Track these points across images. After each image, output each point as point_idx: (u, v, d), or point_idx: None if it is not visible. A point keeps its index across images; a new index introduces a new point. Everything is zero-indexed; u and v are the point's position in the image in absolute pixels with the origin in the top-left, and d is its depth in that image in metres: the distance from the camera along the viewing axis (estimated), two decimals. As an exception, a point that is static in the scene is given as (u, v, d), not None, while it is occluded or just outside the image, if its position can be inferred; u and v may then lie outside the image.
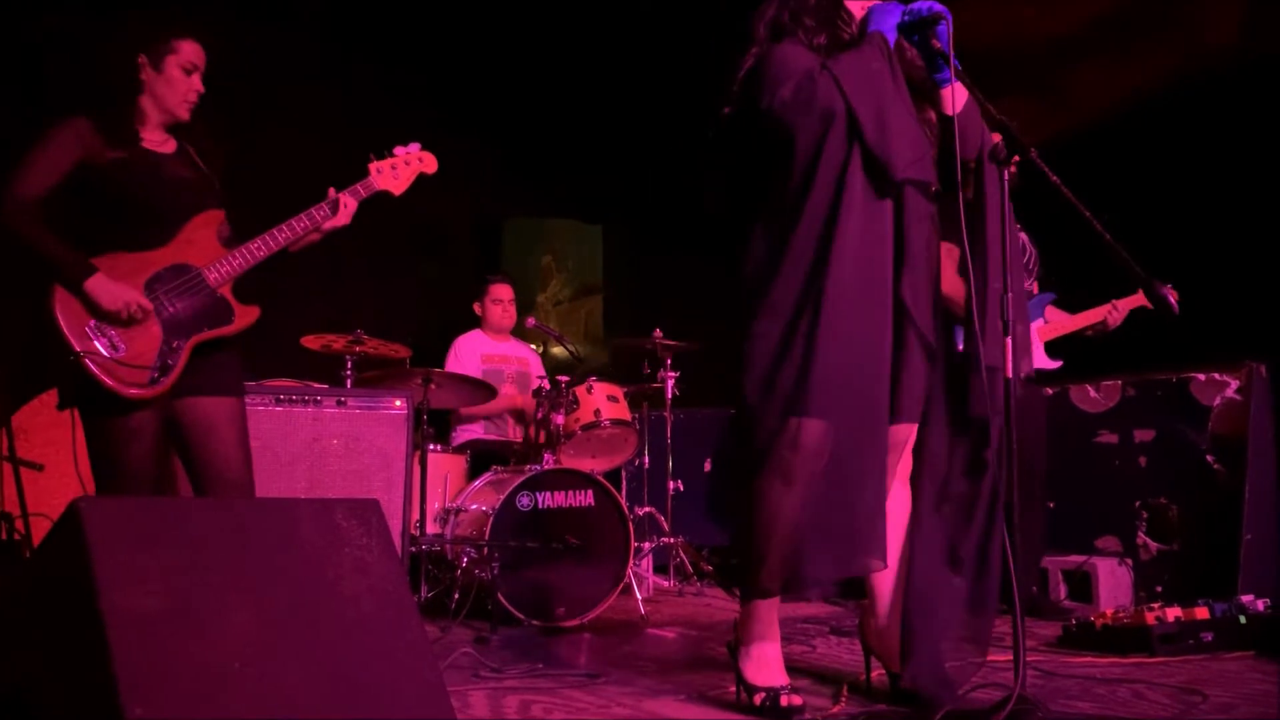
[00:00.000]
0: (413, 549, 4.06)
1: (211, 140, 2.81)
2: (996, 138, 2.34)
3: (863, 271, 2.36)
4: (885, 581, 2.57)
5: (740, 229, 2.54)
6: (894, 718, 2.43)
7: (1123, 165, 5.04)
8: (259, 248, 2.67)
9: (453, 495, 4.42)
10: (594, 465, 4.71)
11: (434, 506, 4.36)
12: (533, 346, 5.65)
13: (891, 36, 2.42)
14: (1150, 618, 3.11)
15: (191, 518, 1.77)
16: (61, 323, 2.45)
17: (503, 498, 3.92)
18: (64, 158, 2.56)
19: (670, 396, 5.08)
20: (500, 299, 5.33)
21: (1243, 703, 2.51)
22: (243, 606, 1.67)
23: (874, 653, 2.67)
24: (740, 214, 2.56)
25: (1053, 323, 4.08)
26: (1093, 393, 4.42)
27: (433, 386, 4.35)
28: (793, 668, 2.62)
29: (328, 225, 2.77)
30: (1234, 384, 4.01)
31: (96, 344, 2.47)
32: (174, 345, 2.56)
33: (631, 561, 4.12)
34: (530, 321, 5.34)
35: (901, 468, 2.58)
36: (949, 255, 2.61)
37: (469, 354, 5.20)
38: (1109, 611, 3.31)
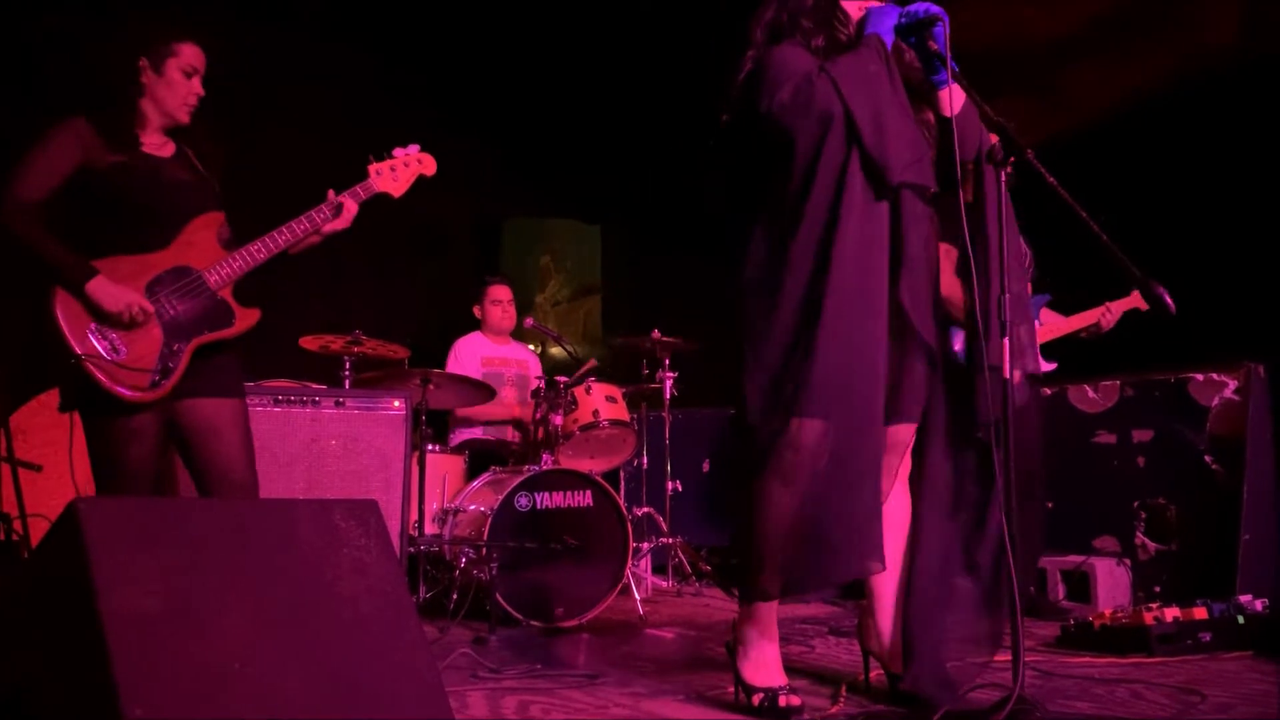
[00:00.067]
0: (411, 549, 4.06)
1: (211, 142, 2.81)
2: (994, 139, 2.34)
3: (861, 273, 2.36)
4: (884, 582, 2.57)
5: (739, 230, 2.54)
6: (892, 718, 2.43)
7: (1121, 165, 5.04)
8: (259, 250, 2.68)
9: (451, 496, 4.42)
10: (592, 466, 4.71)
11: (432, 507, 4.36)
12: (531, 347, 5.65)
13: (889, 38, 2.42)
14: (1149, 618, 3.12)
15: (190, 518, 1.77)
16: (63, 325, 2.45)
17: (501, 498, 3.93)
18: (64, 161, 2.56)
19: (669, 397, 5.08)
20: (499, 300, 5.33)
21: (1241, 703, 2.51)
22: (241, 607, 1.67)
23: (872, 653, 2.68)
24: (740, 215, 2.57)
25: (1047, 325, 4.09)
26: (1091, 393, 4.42)
27: (431, 387, 4.35)
28: (791, 668, 2.62)
29: (328, 228, 2.78)
30: (1232, 384, 4.01)
31: (98, 347, 2.47)
32: (175, 348, 2.56)
33: (630, 562, 4.12)
34: (529, 322, 5.34)
35: (901, 469, 2.59)
36: (946, 256, 2.61)
37: (469, 357, 5.20)
38: (1107, 612, 3.31)
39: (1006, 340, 2.24)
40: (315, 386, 4.08)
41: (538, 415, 4.49)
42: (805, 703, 2.45)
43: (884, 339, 2.38)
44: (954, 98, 2.42)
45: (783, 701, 2.40)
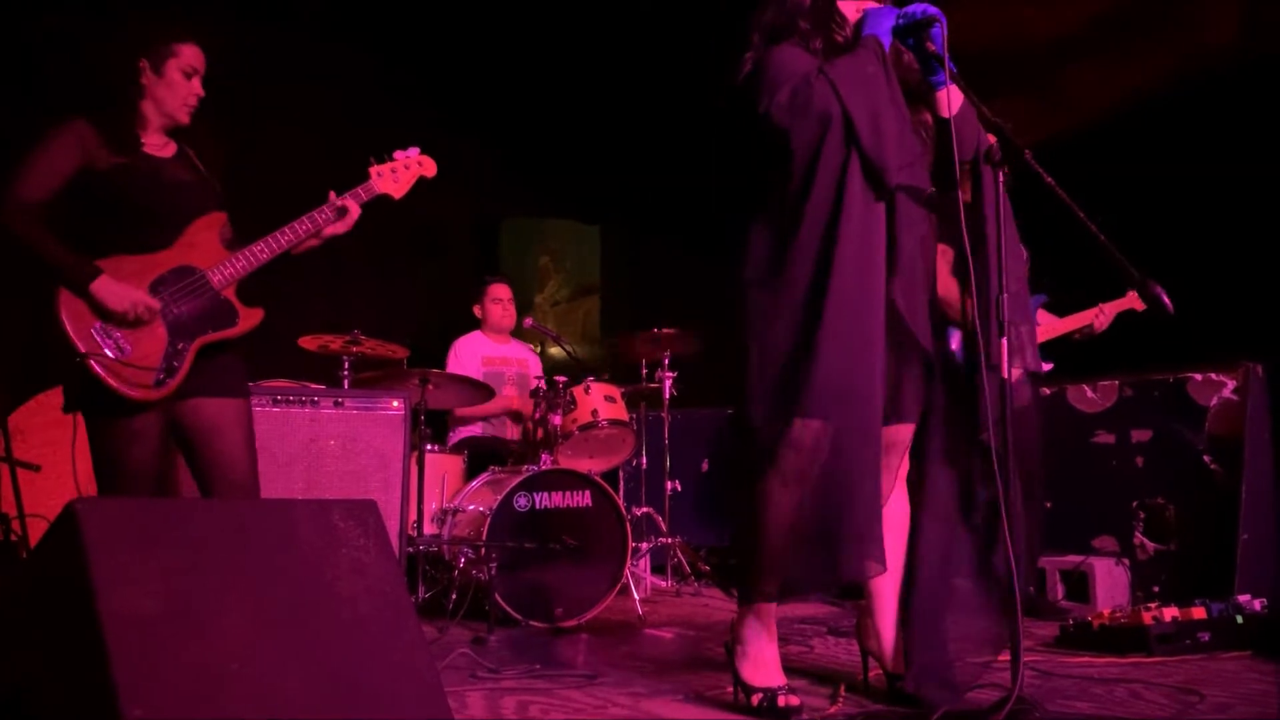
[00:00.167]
0: (410, 549, 4.06)
1: (211, 142, 2.81)
2: (991, 139, 2.34)
3: (861, 274, 2.37)
4: (883, 582, 2.57)
5: (739, 230, 2.55)
6: (891, 718, 2.43)
7: (1120, 165, 5.04)
8: (262, 250, 2.68)
9: (450, 496, 4.42)
10: (591, 466, 4.71)
11: (431, 507, 4.36)
12: (531, 347, 5.65)
13: (886, 40, 2.42)
14: (1147, 618, 3.12)
15: (188, 519, 1.77)
16: (67, 325, 2.45)
17: (500, 498, 3.93)
18: (65, 162, 2.56)
19: (668, 397, 5.08)
20: (500, 298, 5.33)
21: (1240, 702, 2.51)
22: (240, 607, 1.67)
23: (871, 653, 2.68)
24: (739, 215, 2.57)
25: (1043, 325, 4.10)
26: (1090, 393, 4.43)
27: (430, 387, 4.35)
28: (790, 668, 2.62)
29: (329, 231, 2.77)
30: (1231, 384, 4.01)
31: (102, 346, 2.47)
32: (179, 347, 2.56)
33: (629, 562, 4.12)
34: (528, 322, 5.34)
35: (900, 470, 2.59)
36: (943, 257, 2.61)
37: (469, 356, 5.20)
38: (1106, 611, 3.31)
39: (1005, 340, 2.24)
40: (314, 386, 4.09)
41: (537, 415, 4.49)
42: (804, 702, 2.45)
43: (883, 340, 2.39)
44: (952, 99, 2.42)
45: (781, 701, 2.40)
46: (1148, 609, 3.17)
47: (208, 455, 2.64)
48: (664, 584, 5.04)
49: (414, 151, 2.96)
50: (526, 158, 6.53)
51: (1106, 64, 5.48)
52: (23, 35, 4.73)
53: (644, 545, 4.88)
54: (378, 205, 2.87)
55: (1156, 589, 4.00)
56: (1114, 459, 4.31)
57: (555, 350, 5.96)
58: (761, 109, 2.41)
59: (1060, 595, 4.07)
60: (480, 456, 4.75)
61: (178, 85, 2.68)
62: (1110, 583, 4.03)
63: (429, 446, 4.42)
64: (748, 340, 2.46)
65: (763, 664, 2.48)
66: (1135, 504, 4.19)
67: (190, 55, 2.69)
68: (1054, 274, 4.11)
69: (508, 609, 3.79)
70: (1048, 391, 4.48)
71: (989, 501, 2.41)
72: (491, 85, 6.33)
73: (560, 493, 4.08)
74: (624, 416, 4.66)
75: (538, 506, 4.02)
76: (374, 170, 2.88)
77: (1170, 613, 3.15)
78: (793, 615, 3.94)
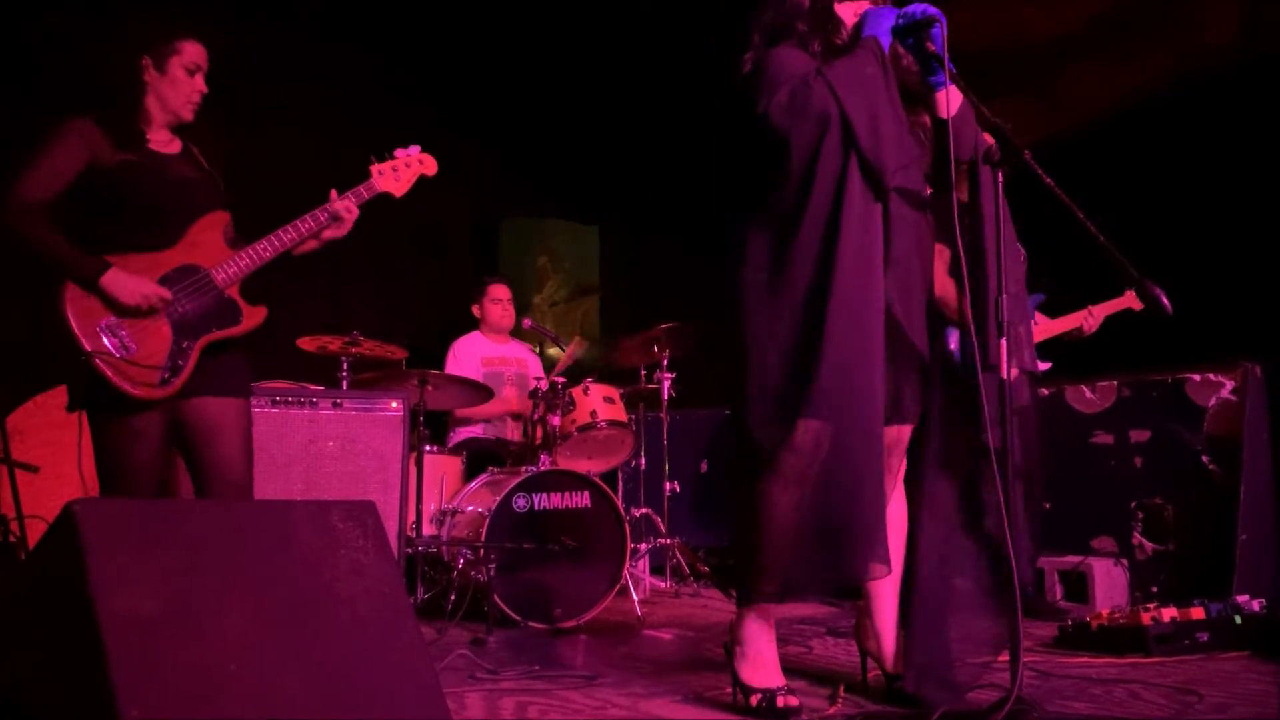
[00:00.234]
0: (409, 550, 4.06)
1: (215, 139, 2.81)
2: (990, 139, 2.34)
3: (862, 275, 2.37)
4: (882, 583, 2.57)
5: (737, 231, 2.55)
6: (890, 718, 2.43)
7: (1119, 165, 5.04)
8: (265, 248, 2.68)
9: (449, 497, 4.42)
10: (590, 466, 4.72)
11: (430, 508, 4.36)
12: (530, 347, 5.65)
13: (886, 40, 2.43)
14: (1146, 618, 3.12)
15: (187, 519, 1.77)
16: (72, 323, 2.45)
17: (499, 499, 3.93)
18: (71, 161, 2.55)
19: (666, 398, 5.08)
20: (499, 298, 5.33)
21: (1238, 703, 2.51)
22: (239, 608, 1.67)
23: (870, 654, 2.68)
24: (738, 216, 2.57)
25: (1038, 326, 4.11)
26: (1088, 393, 4.43)
27: (429, 388, 4.35)
28: (789, 669, 2.62)
29: (327, 235, 2.77)
30: (1229, 384, 4.01)
31: (107, 344, 2.47)
32: (184, 346, 2.56)
33: (628, 563, 4.12)
34: (526, 322, 5.34)
35: (898, 470, 2.59)
36: (941, 257, 2.61)
37: (469, 357, 5.20)
38: (1105, 612, 3.32)
39: (1004, 340, 2.24)
40: (313, 387, 4.08)
41: (536, 416, 4.49)
42: (803, 703, 2.45)
43: (883, 341, 2.38)
44: (951, 99, 2.42)
45: (780, 702, 2.40)
46: (1146, 609, 3.17)
47: (207, 455, 2.63)
48: (663, 585, 5.04)
49: (415, 150, 2.95)
50: (526, 158, 6.53)
51: (1106, 64, 5.49)
52: (23, 35, 4.72)
53: (643, 546, 4.89)
54: (377, 205, 2.87)
55: (1155, 589, 4.01)
56: (1112, 459, 4.31)
57: (554, 350, 5.96)
58: (760, 110, 2.41)
59: (1059, 595, 4.07)
60: (479, 457, 4.75)
61: (181, 82, 2.68)
62: (1109, 583, 4.03)
63: (428, 447, 4.42)
64: (746, 340, 2.46)
65: (762, 665, 2.48)
66: (1134, 504, 4.19)
67: (193, 52, 2.69)
68: (1052, 274, 4.11)
69: (506, 610, 3.79)
70: (1046, 392, 4.48)
71: (988, 501, 2.41)
72: (491, 85, 6.33)
73: (559, 494, 4.08)
74: (623, 417, 4.66)
75: (536, 507, 4.02)
76: (375, 168, 2.88)
77: (1169, 613, 3.15)
78: (792, 616, 3.94)
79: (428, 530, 4.28)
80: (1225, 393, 4.02)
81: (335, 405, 3.96)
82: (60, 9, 4.73)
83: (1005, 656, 2.20)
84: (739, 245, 2.52)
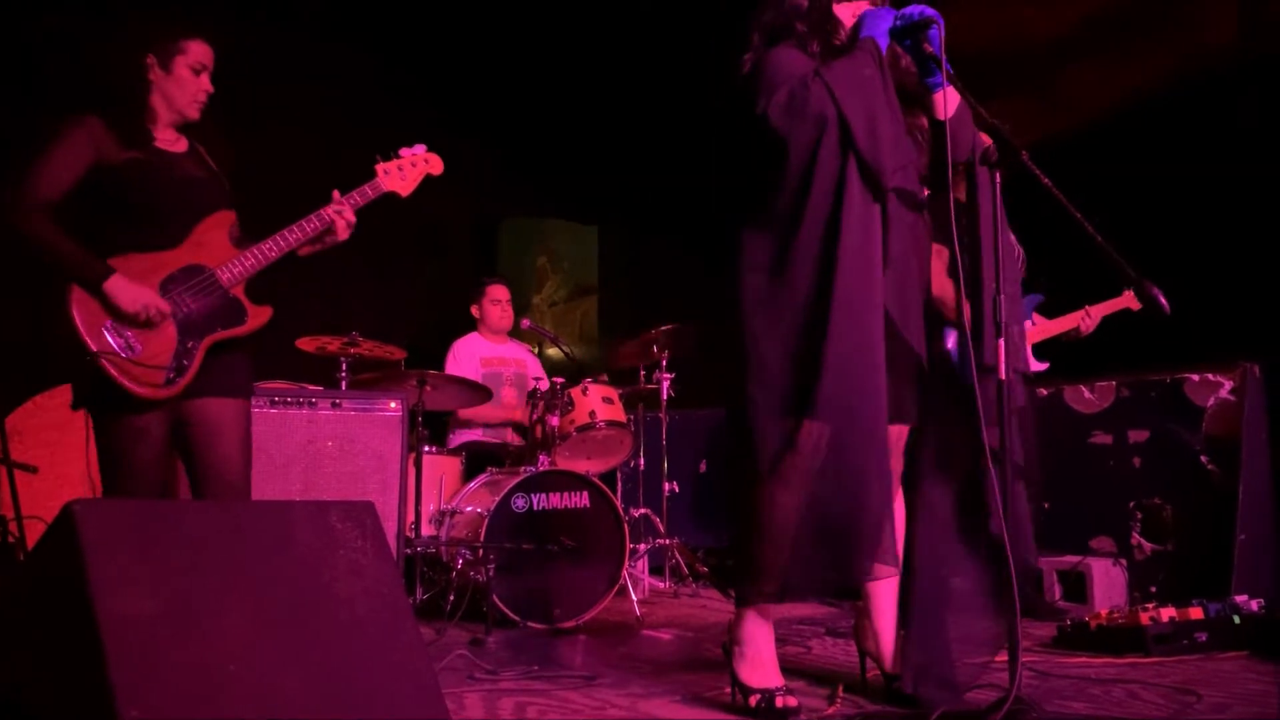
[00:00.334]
0: (408, 551, 4.06)
1: (222, 139, 2.80)
2: (986, 139, 2.35)
3: (862, 275, 2.37)
4: (881, 583, 2.57)
5: (736, 231, 2.55)
6: (889, 718, 2.43)
7: (1118, 165, 5.04)
8: (270, 248, 2.67)
9: (448, 497, 4.42)
10: (589, 467, 4.72)
11: (429, 508, 4.36)
12: (529, 348, 5.65)
13: (884, 42, 2.43)
14: (1145, 618, 3.12)
15: (186, 520, 1.77)
16: (79, 323, 2.45)
17: (498, 499, 3.93)
18: (78, 160, 2.55)
19: (665, 398, 5.08)
20: (498, 299, 5.33)
21: (1237, 703, 2.52)
22: (238, 609, 1.67)
23: (869, 654, 2.68)
24: (737, 216, 2.57)
25: (1036, 327, 4.12)
26: (1087, 394, 4.43)
27: (428, 388, 4.35)
28: (788, 669, 2.62)
29: (328, 240, 2.77)
30: (1228, 384, 4.01)
31: (113, 344, 2.47)
32: (189, 346, 2.57)
33: (627, 563, 4.12)
34: (525, 323, 5.34)
35: (896, 470, 2.59)
36: (938, 257, 2.62)
37: (468, 357, 5.20)
38: (1104, 612, 3.32)
39: (1002, 340, 2.24)
40: (312, 388, 4.08)
41: (534, 416, 4.49)
42: (802, 703, 2.45)
43: (883, 341, 2.38)
44: (949, 100, 2.42)
45: (779, 702, 2.40)
46: (1145, 609, 3.17)
47: (207, 455, 2.63)
48: (662, 585, 5.04)
49: (420, 149, 2.95)
50: (525, 158, 6.53)
51: (1104, 64, 5.49)
52: (23, 35, 4.73)
53: (642, 546, 4.89)
54: (377, 204, 2.87)
55: (1154, 589, 4.01)
56: (1111, 459, 4.31)
57: (553, 351, 5.96)
58: (759, 110, 2.41)
59: (1058, 595, 4.07)
60: (478, 458, 4.75)
61: (186, 81, 2.67)
62: (1107, 583, 4.03)
63: (427, 448, 4.42)
64: (745, 340, 2.46)
65: (760, 665, 2.48)
66: (1132, 504, 4.19)
67: (198, 52, 2.69)
68: (1050, 274, 4.11)
69: (505, 610, 3.79)
70: (1045, 392, 4.49)
71: (987, 502, 2.41)
72: (491, 85, 6.33)
73: (558, 494, 4.08)
74: (622, 418, 4.66)
75: (535, 508, 4.03)
76: (380, 168, 2.88)
77: (1167, 613, 3.15)
78: (790, 616, 3.94)
79: (427, 531, 4.28)
80: (1224, 393, 4.02)
81: (334, 405, 3.96)
82: (60, 9, 4.73)
83: (1004, 656, 2.20)
84: (737, 245, 2.52)
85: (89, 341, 2.44)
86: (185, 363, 2.55)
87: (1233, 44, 5.11)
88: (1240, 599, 3.26)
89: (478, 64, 6.28)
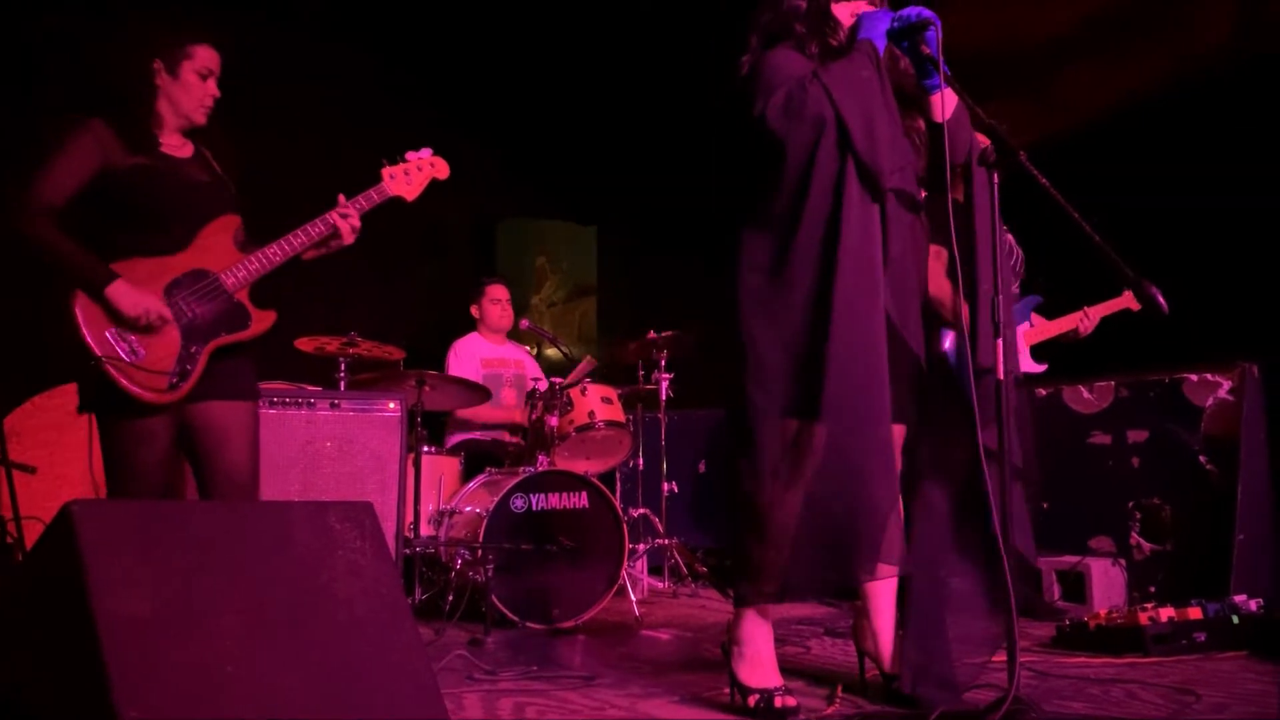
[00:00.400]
0: (407, 551, 4.06)
1: (229, 143, 2.80)
2: (984, 140, 2.35)
3: (862, 275, 2.37)
4: (879, 583, 2.57)
5: (735, 232, 2.55)
6: (888, 719, 2.43)
7: (1116, 166, 5.05)
8: (275, 253, 2.67)
9: (447, 497, 4.42)
10: (588, 467, 4.71)
11: (428, 509, 4.36)
12: (527, 349, 5.65)
13: (881, 43, 2.43)
14: (1143, 618, 3.12)
15: (184, 520, 1.78)
16: (83, 327, 2.45)
17: (497, 500, 3.93)
18: (84, 165, 2.55)
19: (664, 398, 5.08)
20: (498, 299, 5.33)
21: (1236, 702, 2.52)
22: (236, 609, 1.67)
23: (868, 654, 2.68)
24: (735, 218, 2.57)
25: (1035, 328, 4.13)
26: (1086, 394, 4.43)
27: (427, 388, 4.35)
28: (787, 669, 2.62)
29: (334, 245, 2.78)
30: (1226, 384, 4.02)
31: (117, 349, 2.47)
32: (192, 350, 2.57)
33: (626, 563, 4.12)
34: (524, 323, 5.34)
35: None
36: (936, 258, 2.62)
37: (468, 358, 5.20)
38: (1102, 612, 3.32)
39: (1000, 341, 2.24)
40: (310, 388, 4.08)
41: (533, 417, 4.49)
42: (801, 703, 2.45)
43: (885, 340, 2.39)
44: (946, 101, 2.43)
45: (778, 702, 2.40)
46: (1144, 609, 3.17)
47: (214, 459, 2.64)
48: (661, 585, 5.04)
49: (426, 153, 2.94)
50: (524, 158, 6.53)
51: (1102, 65, 5.49)
52: (23, 35, 4.72)
53: (641, 546, 4.89)
54: (378, 206, 2.87)
55: (1153, 589, 4.01)
56: (1110, 459, 4.32)
57: (551, 351, 5.96)
58: (756, 112, 2.42)
59: (1057, 596, 4.07)
60: (477, 458, 4.75)
61: (193, 86, 2.67)
62: (1106, 583, 4.03)
63: (426, 448, 4.42)
64: (744, 341, 2.46)
65: (759, 665, 2.48)
66: (1131, 504, 4.19)
67: (205, 56, 2.69)
68: (1049, 275, 4.11)
69: (504, 610, 3.79)
70: (1044, 392, 4.49)
71: (973, 500, 2.42)
72: (491, 86, 6.34)
73: (557, 494, 4.08)
74: (621, 418, 4.66)
75: (534, 508, 4.02)
76: (386, 172, 2.87)
77: (1166, 613, 3.15)
78: (789, 616, 3.94)
79: (425, 531, 4.28)
80: (1222, 393, 4.02)
81: (333, 406, 3.96)
82: (60, 9, 4.73)
83: (1002, 656, 2.20)
84: (736, 246, 2.52)
85: (93, 346, 2.45)
86: (188, 367, 2.55)
87: (1228, 44, 5.12)
88: (1239, 599, 3.26)
89: (477, 64, 6.29)
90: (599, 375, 4.84)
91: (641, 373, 5.19)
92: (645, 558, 4.99)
